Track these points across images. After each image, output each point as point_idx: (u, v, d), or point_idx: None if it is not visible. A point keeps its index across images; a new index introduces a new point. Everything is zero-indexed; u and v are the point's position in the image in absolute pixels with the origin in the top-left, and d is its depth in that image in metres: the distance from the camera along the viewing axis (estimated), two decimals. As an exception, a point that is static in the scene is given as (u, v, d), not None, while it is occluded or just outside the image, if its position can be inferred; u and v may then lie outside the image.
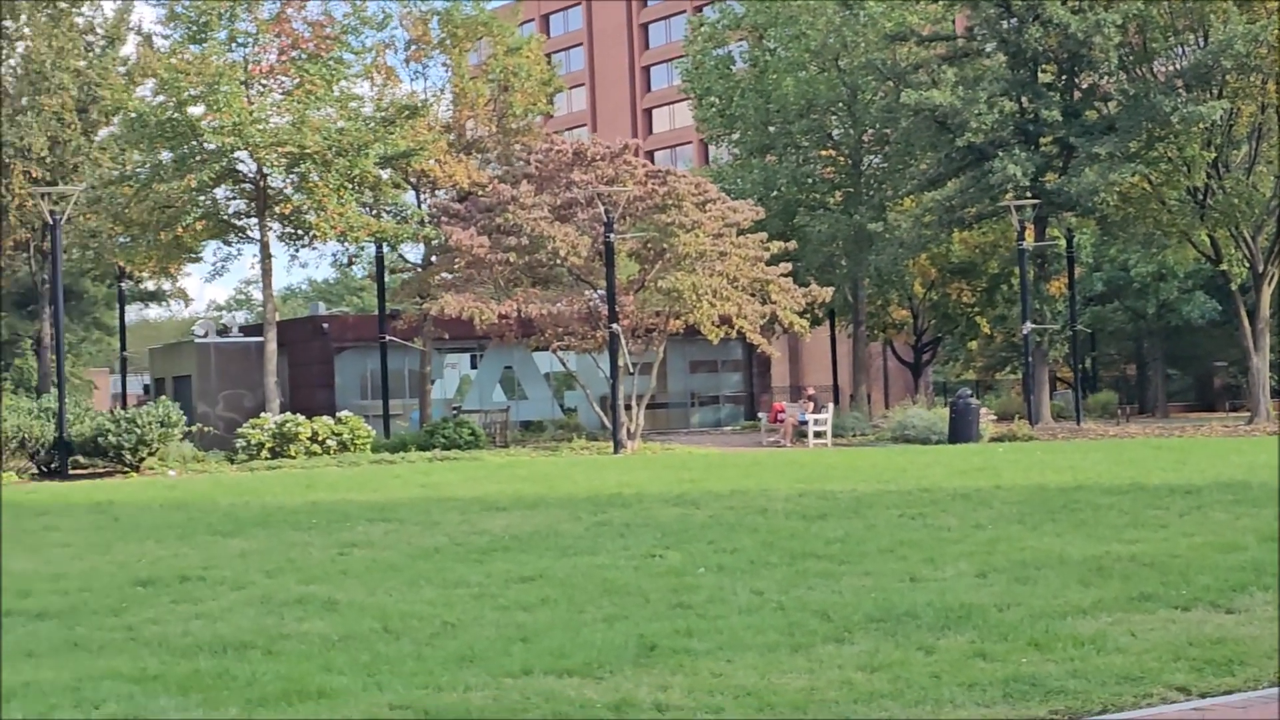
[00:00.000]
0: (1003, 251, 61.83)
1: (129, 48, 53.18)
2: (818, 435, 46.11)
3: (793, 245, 48.96)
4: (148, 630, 13.42)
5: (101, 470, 38.26)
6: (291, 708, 10.12)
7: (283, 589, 15.61)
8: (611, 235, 42.12)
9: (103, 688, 10.97)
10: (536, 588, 15.06)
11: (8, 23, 51.74)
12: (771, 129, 59.07)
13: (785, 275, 46.30)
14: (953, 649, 11.38)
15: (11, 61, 52.21)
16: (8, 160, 50.26)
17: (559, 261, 44.14)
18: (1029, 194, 49.75)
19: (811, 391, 51.08)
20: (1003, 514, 20.55)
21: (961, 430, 43.79)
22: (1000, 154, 49.27)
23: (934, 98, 49.03)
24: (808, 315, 49.41)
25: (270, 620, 13.71)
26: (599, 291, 44.39)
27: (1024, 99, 51.25)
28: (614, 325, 42.35)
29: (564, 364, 49.03)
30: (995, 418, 48.28)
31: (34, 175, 49.73)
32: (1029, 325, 49.66)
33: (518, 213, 43.40)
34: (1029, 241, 50.39)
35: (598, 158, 45.35)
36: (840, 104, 57.73)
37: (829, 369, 68.84)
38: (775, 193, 57.97)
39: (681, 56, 72.86)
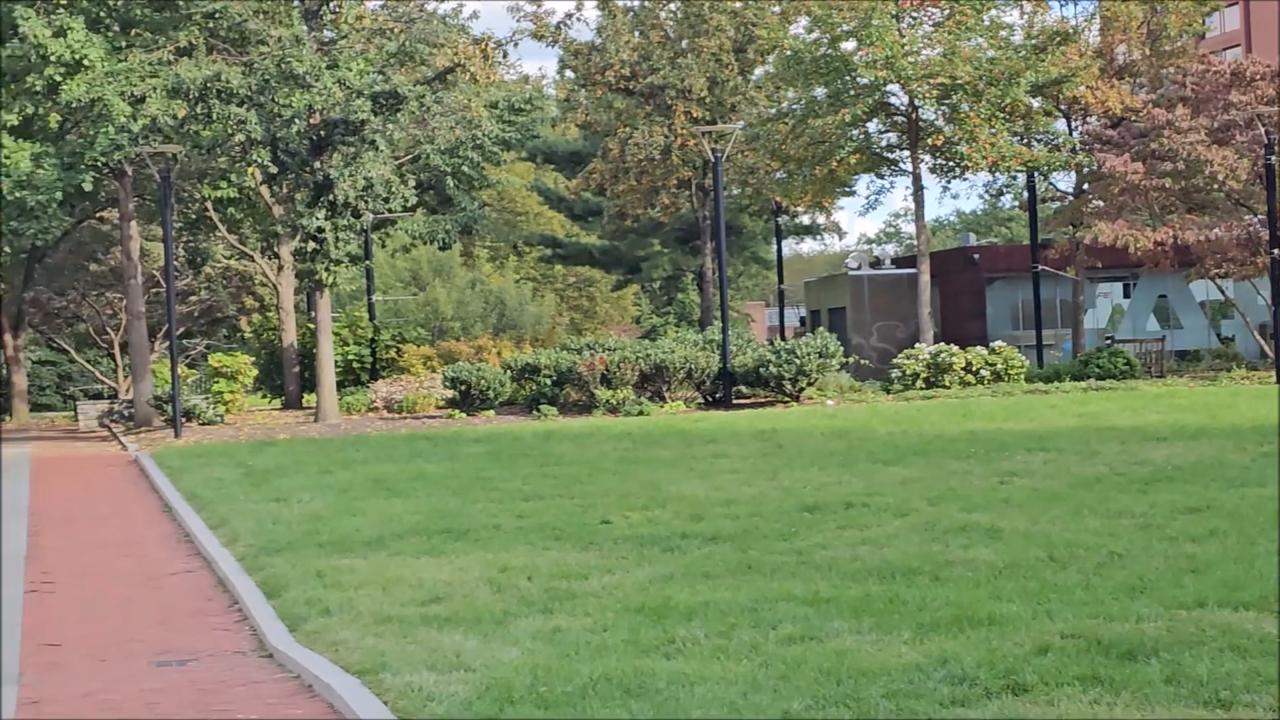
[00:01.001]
0: None
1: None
2: None
3: None
4: (817, 555, 13.92)
5: (763, 400, 39.48)
6: (962, 633, 10.35)
7: (945, 516, 15.91)
8: (1273, 157, 40.58)
9: (778, 609, 11.48)
10: (1204, 519, 14.85)
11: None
12: None
13: None
14: None
15: (672, 6, 54.19)
16: (670, 102, 52.29)
17: (1216, 186, 42.86)
18: None
19: None
20: None
21: None
22: None
23: None
24: None
25: (935, 547, 14.01)
26: (1259, 216, 42.85)
27: None
28: (1275, 250, 40.87)
29: (1221, 291, 47.56)
30: None
31: (694, 115, 51.51)
32: None
33: (1173, 137, 42.34)
34: None
35: (1257, 77, 43.70)
36: None
37: None
38: None
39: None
